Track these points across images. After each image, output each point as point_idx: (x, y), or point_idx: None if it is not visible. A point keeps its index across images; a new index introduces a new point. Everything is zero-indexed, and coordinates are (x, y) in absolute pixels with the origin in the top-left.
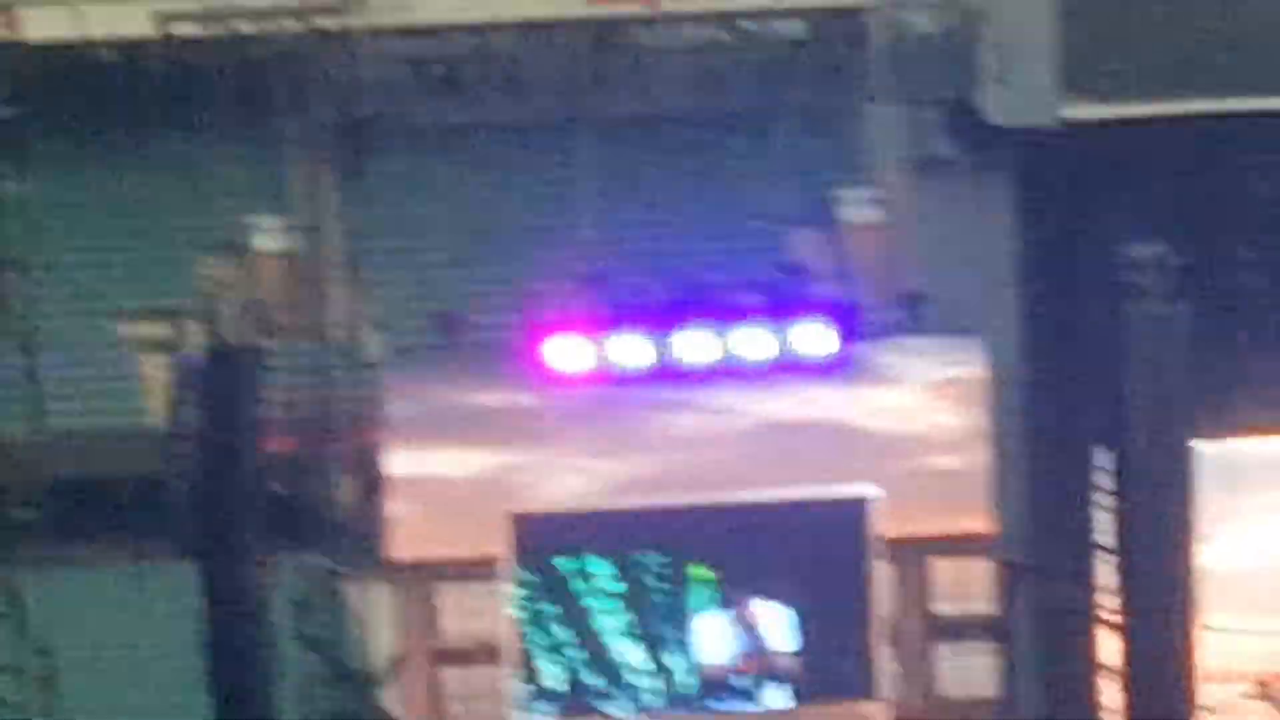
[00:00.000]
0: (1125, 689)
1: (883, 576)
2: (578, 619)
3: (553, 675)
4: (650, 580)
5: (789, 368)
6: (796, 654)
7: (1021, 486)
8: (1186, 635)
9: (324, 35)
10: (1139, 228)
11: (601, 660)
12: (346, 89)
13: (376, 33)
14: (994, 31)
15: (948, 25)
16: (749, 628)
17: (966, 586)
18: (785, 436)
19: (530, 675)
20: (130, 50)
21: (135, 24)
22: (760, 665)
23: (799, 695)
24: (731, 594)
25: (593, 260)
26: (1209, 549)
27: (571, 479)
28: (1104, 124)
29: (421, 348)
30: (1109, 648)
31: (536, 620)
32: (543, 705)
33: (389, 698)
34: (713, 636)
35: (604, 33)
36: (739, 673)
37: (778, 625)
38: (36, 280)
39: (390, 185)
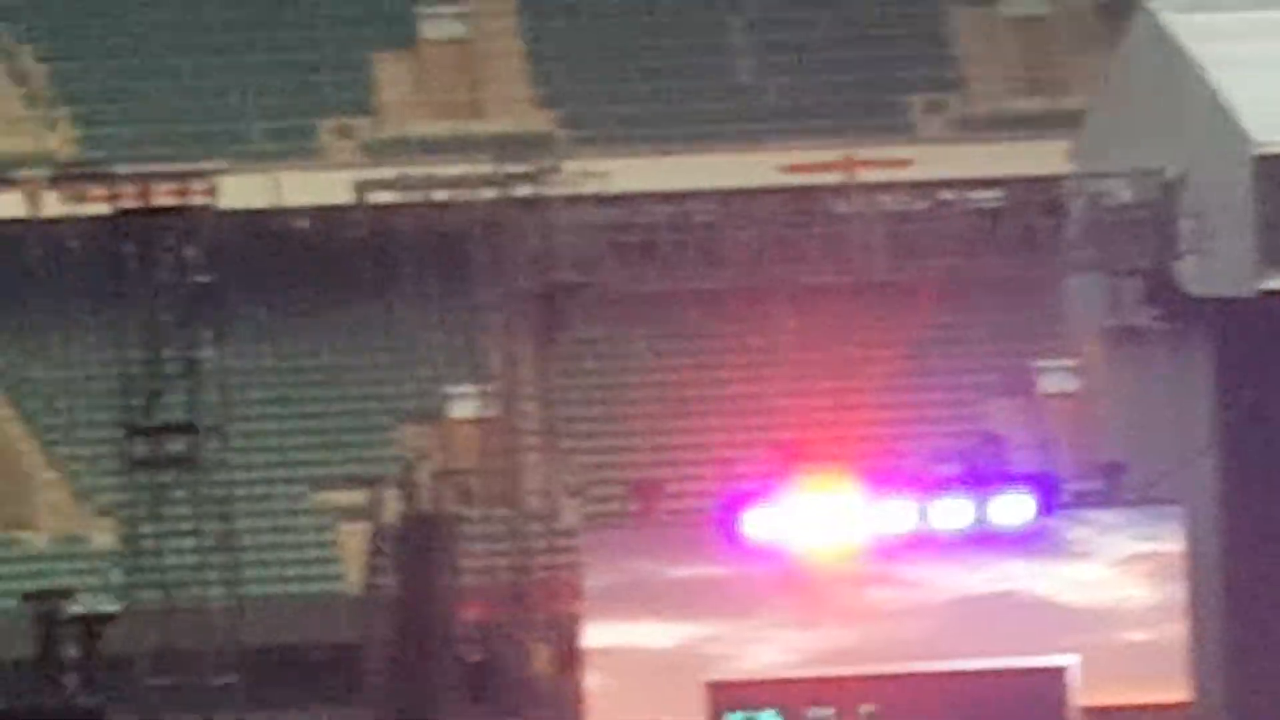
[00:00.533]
0: None
1: None
2: None
3: None
4: None
5: (988, 539)
6: None
7: (1221, 655)
8: None
9: (521, 203)
10: None
11: None
12: (543, 257)
13: (573, 201)
14: (1192, 202)
15: (1146, 195)
16: None
17: None
18: (982, 609)
19: None
20: (329, 218)
21: (334, 192)
22: None
23: None
24: None
25: (789, 428)
26: None
27: (767, 649)
28: None
29: (618, 516)
30: None
31: None
32: None
33: None
34: None
35: (800, 201)
36: None
37: None
38: (235, 447)
39: (587, 353)
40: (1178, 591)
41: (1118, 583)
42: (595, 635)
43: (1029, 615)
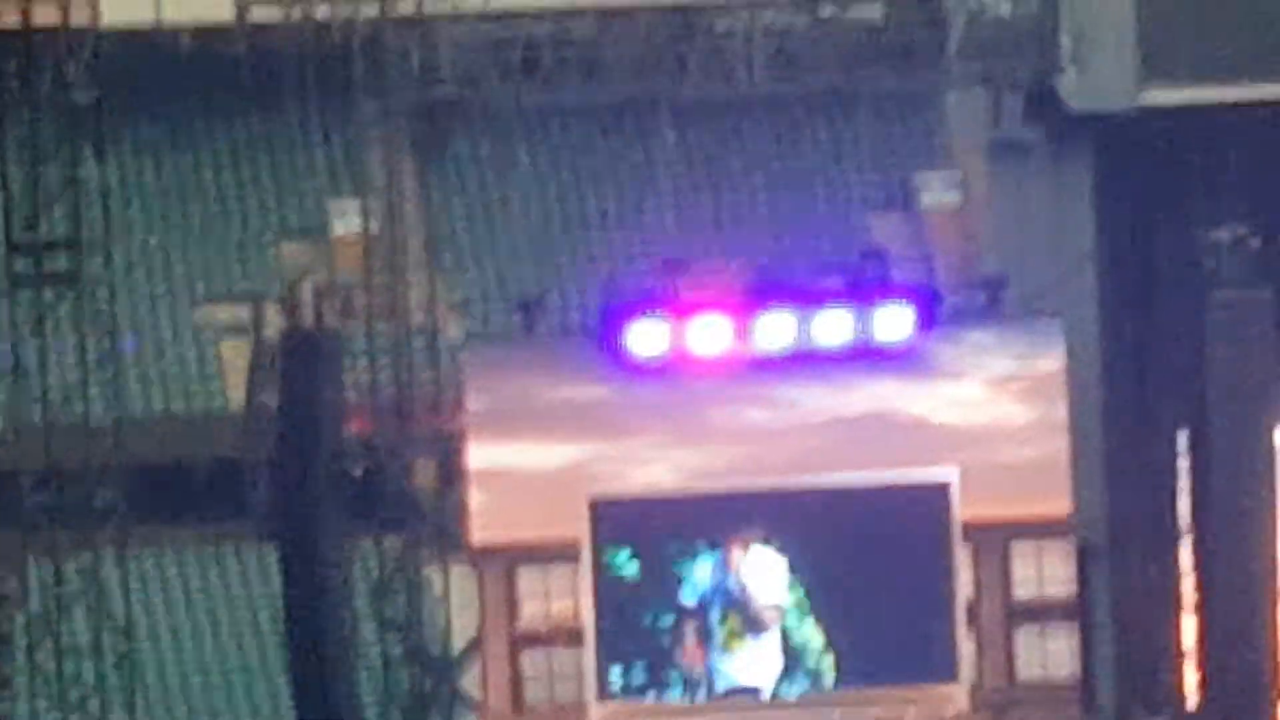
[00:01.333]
0: (1204, 671)
1: (963, 561)
2: (655, 604)
3: (630, 660)
4: (728, 569)
5: (868, 356)
6: (879, 638)
7: (1100, 469)
8: (1266, 618)
9: (403, 19)
10: (1218, 211)
11: (680, 647)
12: (426, 73)
13: (455, 17)
14: (1073, 16)
15: (1027, 8)
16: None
17: (1045, 570)
18: (863, 427)
19: (608, 658)
20: (211, 35)
21: (215, 9)
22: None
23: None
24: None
25: (673, 244)
26: None
27: (650, 468)
28: (1182, 108)
29: (501, 332)
30: (1189, 631)
31: (613, 604)
32: (620, 688)
33: (468, 679)
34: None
35: (683, 17)
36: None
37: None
38: (117, 264)
39: (470, 169)
40: (1058, 406)
41: (998, 399)
42: (479, 454)
43: (910, 433)
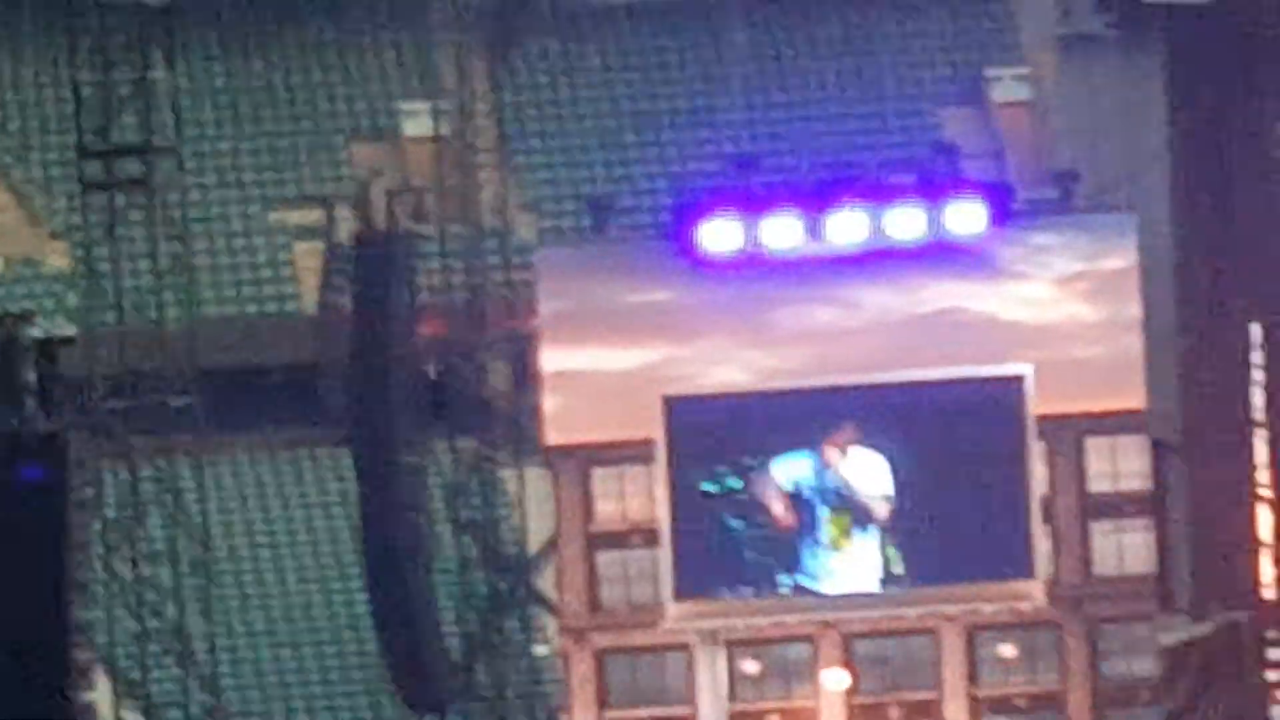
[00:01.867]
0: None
1: (1038, 455)
2: (734, 503)
3: (703, 556)
4: (826, 467)
5: (940, 250)
6: (954, 533)
7: (1174, 364)
8: None
9: None
10: None
11: (761, 541)
12: None
13: None
14: None
15: None
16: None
17: (1120, 465)
18: (936, 325)
19: (684, 558)
20: None
21: None
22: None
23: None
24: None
25: (743, 141)
26: None
27: (722, 368)
28: None
29: (573, 231)
30: (1265, 524)
31: (692, 502)
32: (698, 585)
33: (544, 580)
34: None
35: None
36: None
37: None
38: (189, 168)
39: (540, 70)
40: (1131, 302)
41: (1071, 295)
42: (552, 356)
43: (983, 331)
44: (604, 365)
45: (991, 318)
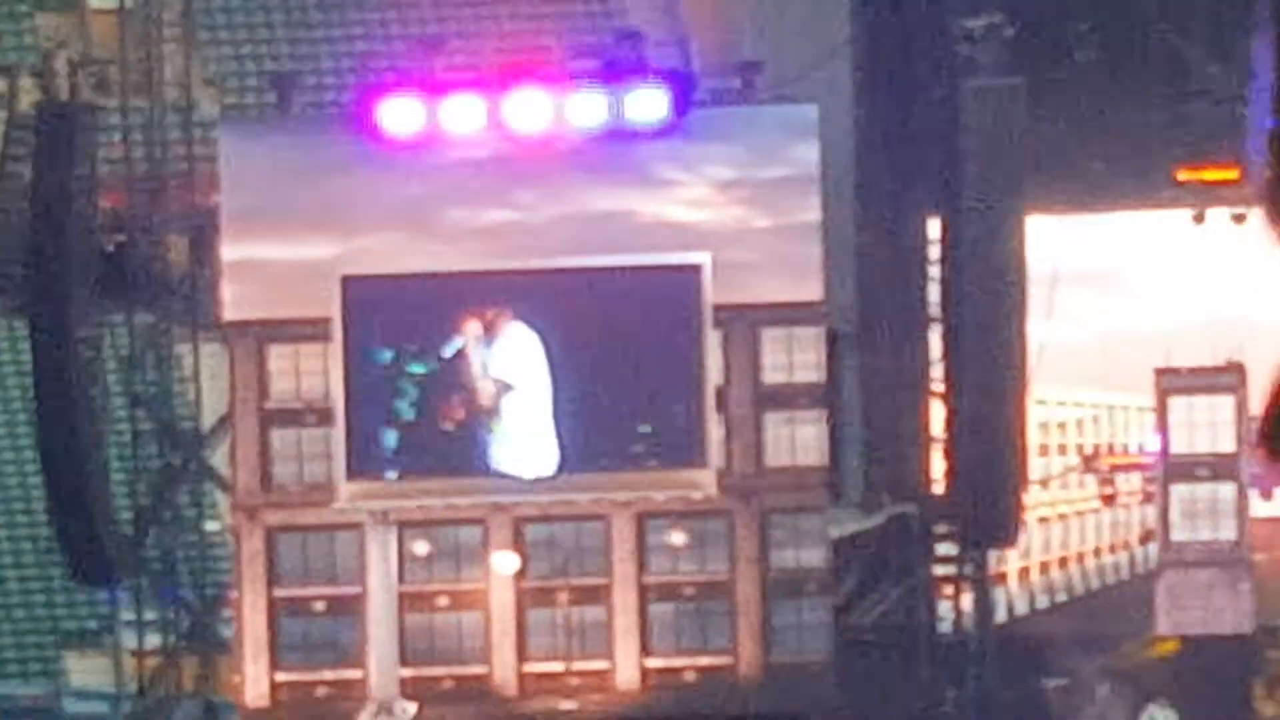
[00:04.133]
0: (951, 460)
1: (713, 345)
2: (407, 381)
3: (383, 435)
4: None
5: (622, 136)
6: (629, 421)
7: (851, 257)
8: (1014, 407)
9: None
10: None
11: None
12: None
13: None
14: None
15: None
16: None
17: (795, 357)
18: (616, 213)
19: (359, 435)
20: None
21: None
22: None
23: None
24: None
25: (428, 23)
26: (1037, 322)
27: (403, 254)
28: None
29: (256, 107)
30: (937, 419)
31: (362, 382)
32: (371, 465)
33: (216, 456)
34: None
35: None
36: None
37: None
38: None
39: None
40: (811, 193)
41: (752, 183)
42: (231, 232)
43: (664, 221)
44: (284, 246)
45: (674, 205)
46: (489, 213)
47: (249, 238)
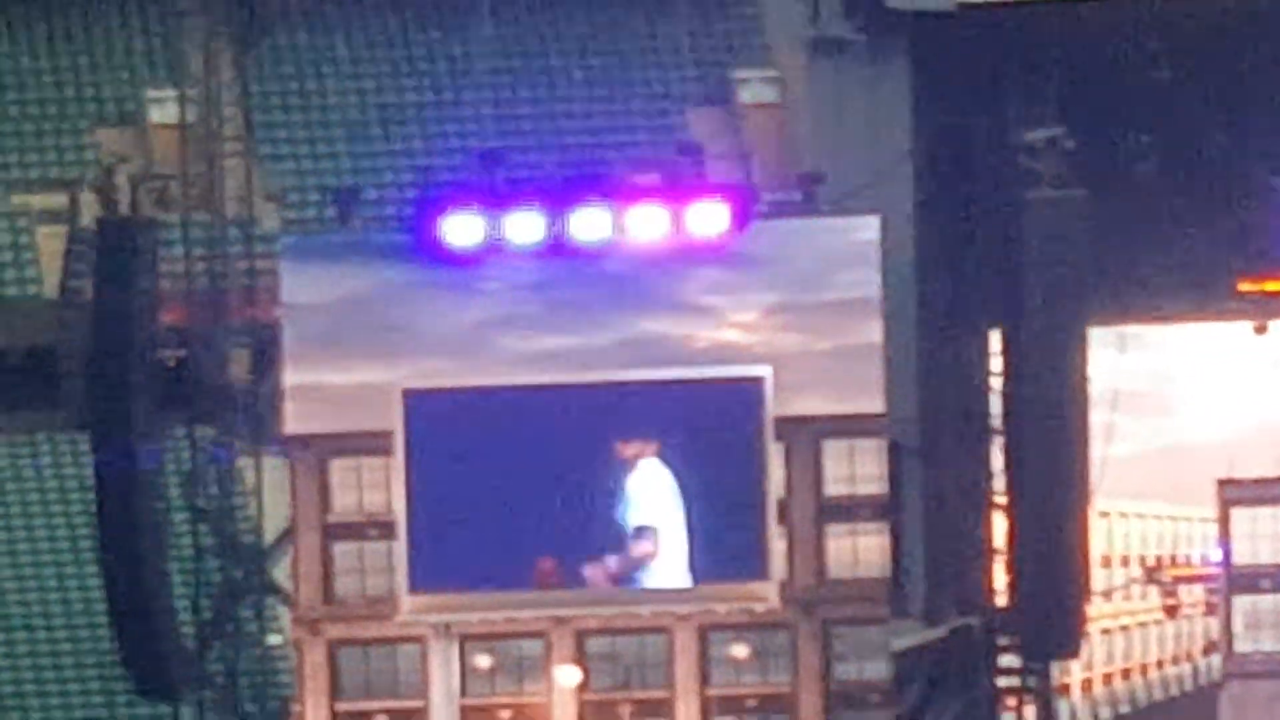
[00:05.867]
0: (1014, 572)
1: (775, 456)
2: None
3: (446, 549)
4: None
5: (684, 248)
6: (690, 532)
7: (914, 368)
8: (1076, 519)
9: None
10: (1033, 111)
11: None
12: None
13: None
14: None
15: None
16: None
17: (857, 469)
18: (678, 320)
19: (422, 549)
20: None
21: None
22: (655, 544)
23: (694, 573)
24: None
25: (489, 136)
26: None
27: (463, 362)
28: (999, 6)
29: (318, 222)
30: (999, 530)
31: (429, 494)
32: (435, 580)
33: (278, 570)
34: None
35: None
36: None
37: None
38: None
39: (287, 59)
40: (873, 305)
41: (813, 296)
42: (293, 345)
43: (725, 330)
44: (345, 357)
45: (734, 316)
46: (547, 337)
47: (311, 364)
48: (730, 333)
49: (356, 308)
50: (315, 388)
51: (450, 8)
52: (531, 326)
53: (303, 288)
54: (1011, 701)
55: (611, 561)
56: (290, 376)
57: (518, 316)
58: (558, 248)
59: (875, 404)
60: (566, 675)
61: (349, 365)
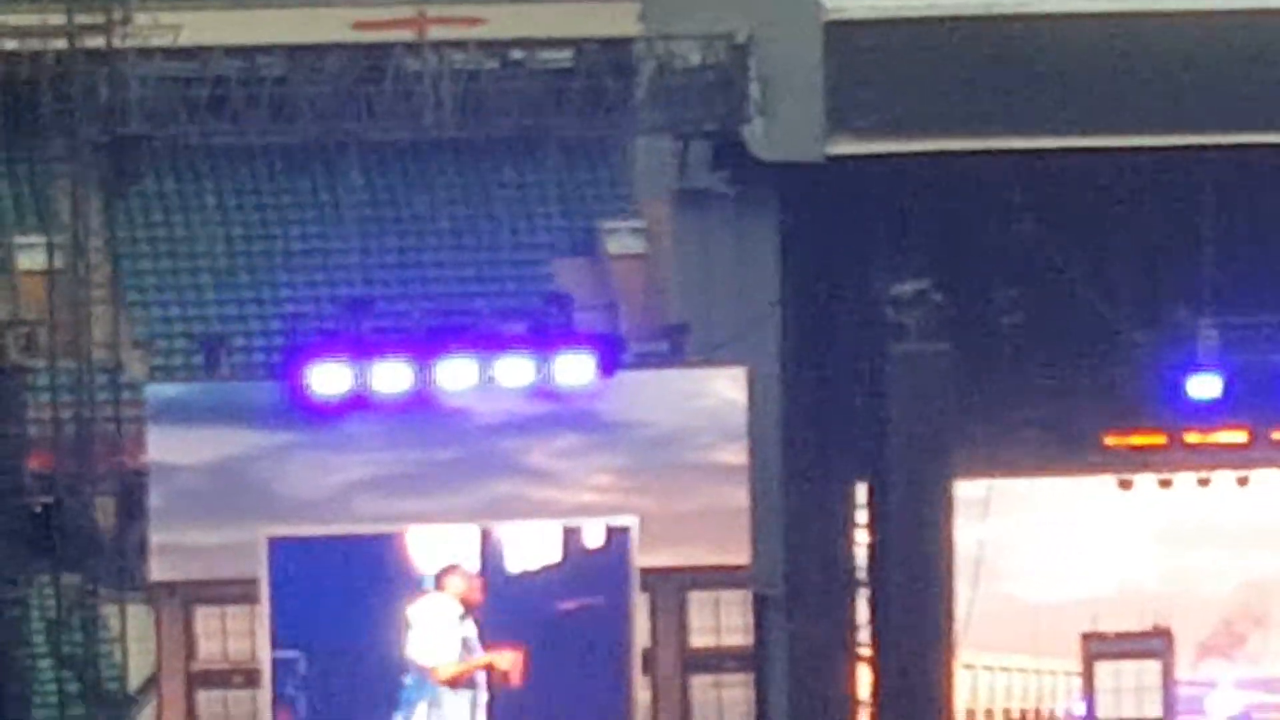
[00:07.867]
0: None
1: (640, 608)
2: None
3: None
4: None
5: (550, 397)
6: (554, 684)
7: (779, 519)
8: (941, 671)
9: (91, 54)
10: (901, 264)
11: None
12: (112, 109)
13: (144, 53)
14: (760, 66)
15: (715, 57)
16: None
17: (722, 619)
18: (543, 472)
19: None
20: None
21: None
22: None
23: None
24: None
25: (356, 285)
26: (964, 586)
27: (332, 509)
28: (867, 160)
29: (185, 369)
30: (864, 682)
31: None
32: None
33: (144, 718)
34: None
35: (372, 58)
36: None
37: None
38: None
39: (156, 207)
40: (738, 458)
41: (678, 448)
42: (158, 494)
43: (590, 480)
44: (210, 505)
45: (600, 465)
46: (409, 500)
47: (177, 523)
48: (589, 495)
49: (222, 469)
50: (180, 546)
51: (318, 156)
52: (394, 489)
53: (170, 447)
54: None
55: None
56: (155, 535)
57: (381, 479)
58: (422, 399)
59: (740, 556)
60: None
61: (215, 524)
